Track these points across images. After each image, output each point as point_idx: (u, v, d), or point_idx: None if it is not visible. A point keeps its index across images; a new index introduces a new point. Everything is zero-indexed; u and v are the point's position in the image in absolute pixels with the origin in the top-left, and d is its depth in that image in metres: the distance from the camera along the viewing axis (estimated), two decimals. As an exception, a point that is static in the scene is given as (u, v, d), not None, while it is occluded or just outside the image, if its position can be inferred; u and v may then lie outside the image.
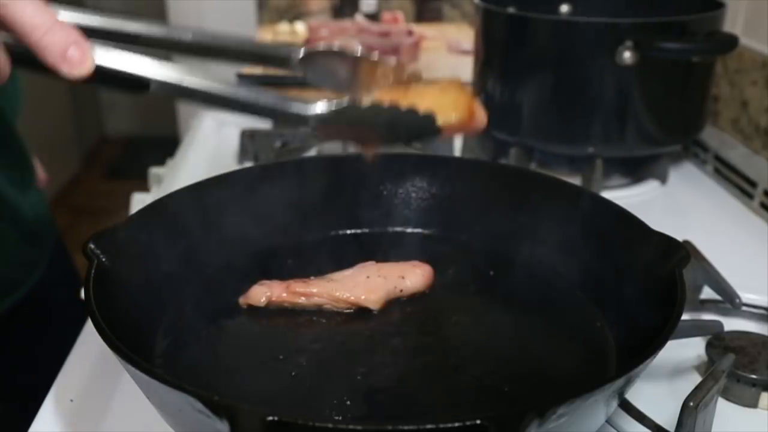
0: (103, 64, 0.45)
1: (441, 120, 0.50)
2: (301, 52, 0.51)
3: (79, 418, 0.54)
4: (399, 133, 0.50)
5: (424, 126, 0.50)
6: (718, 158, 0.94)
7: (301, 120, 0.48)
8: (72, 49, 0.42)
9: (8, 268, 0.85)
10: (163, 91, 0.46)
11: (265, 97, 0.48)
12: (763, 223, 0.83)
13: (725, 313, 0.63)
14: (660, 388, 0.55)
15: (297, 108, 0.48)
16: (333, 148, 0.96)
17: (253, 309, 0.57)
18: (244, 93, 0.48)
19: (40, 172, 0.99)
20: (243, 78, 1.31)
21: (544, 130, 0.89)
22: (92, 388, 0.57)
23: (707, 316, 0.62)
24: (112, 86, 0.46)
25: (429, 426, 0.34)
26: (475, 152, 0.96)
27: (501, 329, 0.56)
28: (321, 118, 0.48)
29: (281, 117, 0.49)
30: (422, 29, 1.64)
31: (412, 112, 0.49)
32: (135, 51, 0.46)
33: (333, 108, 0.48)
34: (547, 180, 0.65)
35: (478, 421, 0.34)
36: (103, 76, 0.45)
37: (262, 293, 0.57)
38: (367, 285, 0.58)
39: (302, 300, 0.57)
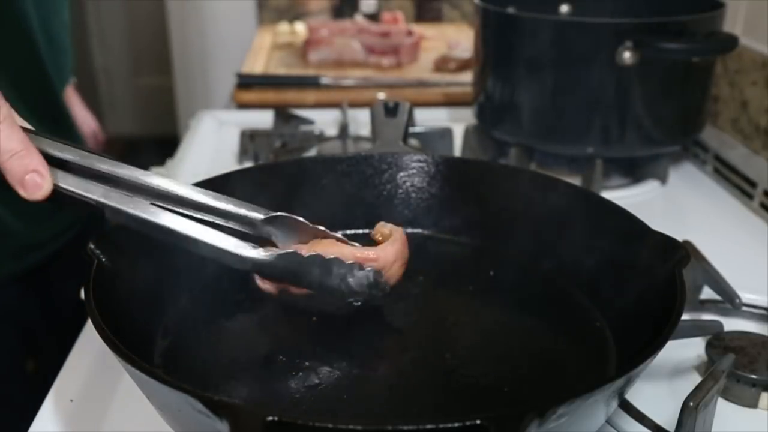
0: (62, 186, 0.48)
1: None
2: (263, 215, 0.53)
3: (79, 418, 0.54)
4: (336, 286, 0.52)
5: (366, 282, 0.53)
6: (718, 158, 0.94)
7: (241, 262, 0.50)
8: (30, 175, 0.46)
9: (54, 222, 0.93)
10: (116, 219, 0.49)
11: (211, 236, 0.50)
12: (763, 223, 0.83)
13: (725, 313, 0.63)
14: (660, 388, 0.55)
15: (239, 250, 0.50)
16: (333, 147, 0.96)
17: (252, 309, 0.57)
18: (194, 229, 0.50)
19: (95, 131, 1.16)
20: (242, 76, 1.31)
21: (544, 130, 0.89)
22: (92, 388, 0.57)
23: (707, 316, 0.62)
24: (71, 206, 0.49)
25: (429, 426, 0.34)
26: (475, 152, 0.96)
27: (501, 329, 0.56)
28: (259, 263, 0.50)
29: (222, 257, 0.50)
30: (422, 29, 1.65)
31: (354, 265, 0.52)
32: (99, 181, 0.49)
33: (273, 255, 0.50)
34: (547, 180, 0.65)
35: (478, 421, 0.34)
36: (61, 198, 0.48)
37: None
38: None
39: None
